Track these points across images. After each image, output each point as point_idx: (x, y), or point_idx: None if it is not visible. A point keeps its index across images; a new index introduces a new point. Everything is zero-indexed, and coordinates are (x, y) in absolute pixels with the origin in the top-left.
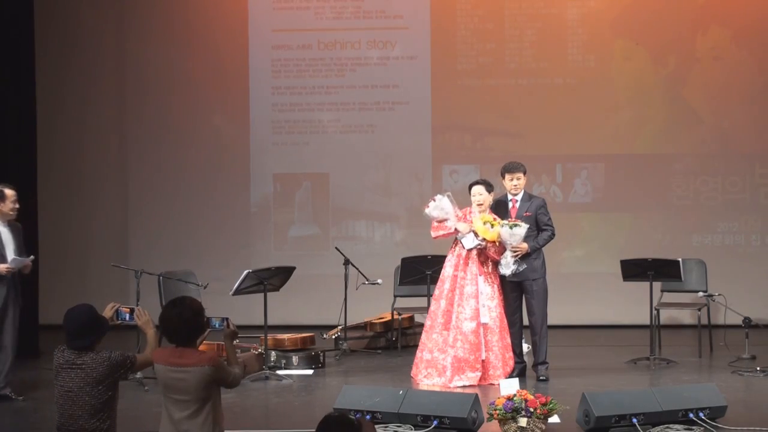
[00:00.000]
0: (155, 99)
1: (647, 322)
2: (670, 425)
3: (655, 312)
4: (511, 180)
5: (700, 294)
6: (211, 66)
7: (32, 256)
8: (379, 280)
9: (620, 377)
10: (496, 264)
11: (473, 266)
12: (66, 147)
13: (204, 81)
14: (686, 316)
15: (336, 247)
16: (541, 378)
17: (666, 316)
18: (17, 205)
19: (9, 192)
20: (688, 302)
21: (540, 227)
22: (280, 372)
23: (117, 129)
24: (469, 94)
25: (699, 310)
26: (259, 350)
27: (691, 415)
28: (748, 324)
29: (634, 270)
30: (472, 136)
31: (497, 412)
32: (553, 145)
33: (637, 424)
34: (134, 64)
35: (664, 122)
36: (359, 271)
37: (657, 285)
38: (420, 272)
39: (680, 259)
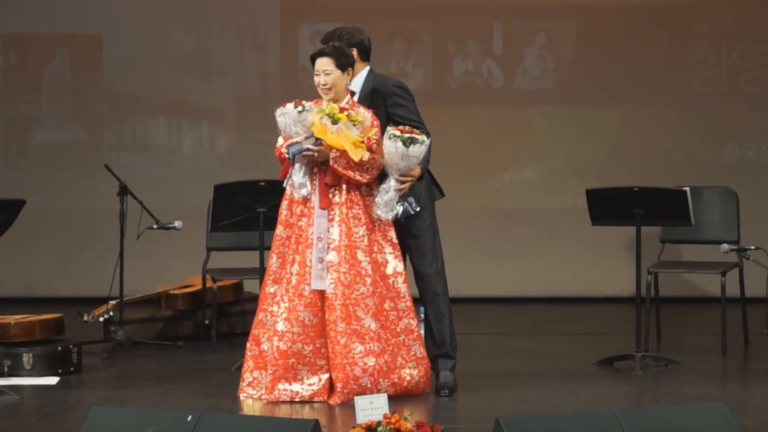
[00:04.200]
0: None
1: (633, 293)
2: None
3: (648, 278)
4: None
5: (726, 248)
6: None
7: None
8: (177, 223)
9: (581, 389)
10: (360, 189)
11: (314, 194)
12: None
13: None
14: (702, 286)
15: (106, 165)
16: (441, 393)
17: (668, 284)
18: None
19: None
20: (704, 261)
21: None
22: None
23: None
24: None
25: (723, 275)
26: None
27: None
28: None
29: (609, 206)
30: None
31: None
32: None
33: None
34: None
35: None
36: (144, 207)
37: (652, 233)
38: (246, 209)
39: (687, 189)
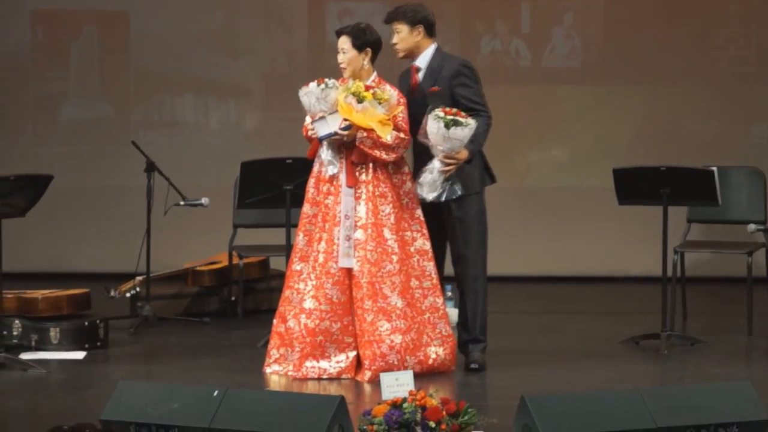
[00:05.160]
0: None
1: (660, 273)
2: None
3: (674, 257)
4: (391, 36)
5: (752, 228)
6: None
7: None
8: (204, 200)
9: (606, 368)
10: (388, 167)
11: (341, 172)
12: None
13: None
14: (728, 265)
15: (133, 142)
16: (471, 366)
17: (694, 264)
18: None
19: None
20: (731, 241)
21: (463, 111)
22: (26, 356)
23: None
24: None
25: (750, 255)
26: None
27: None
28: None
29: (636, 186)
30: None
31: (374, 427)
32: None
33: None
34: None
35: None
36: (171, 184)
37: (679, 212)
38: (273, 186)
39: (714, 169)
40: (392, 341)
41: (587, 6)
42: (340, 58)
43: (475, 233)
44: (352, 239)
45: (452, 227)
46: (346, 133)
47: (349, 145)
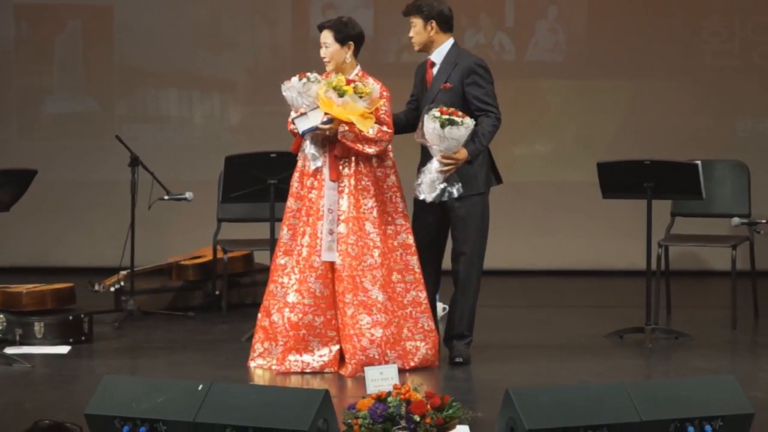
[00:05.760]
0: None
1: (644, 266)
2: None
3: (658, 251)
4: (408, 29)
5: (736, 221)
6: None
7: None
8: (188, 194)
9: (591, 361)
10: (371, 161)
11: (324, 166)
12: None
13: None
14: (713, 259)
15: (117, 136)
16: (456, 360)
17: (678, 257)
18: None
19: None
20: (715, 235)
21: (473, 110)
22: (10, 350)
23: None
24: None
25: (734, 248)
26: None
27: (690, 430)
28: None
29: (620, 179)
30: None
31: (359, 421)
32: None
33: None
34: None
35: None
36: (155, 178)
37: (663, 206)
38: (257, 181)
39: (698, 162)
40: (372, 335)
41: (571, 0)
42: (323, 52)
43: (476, 232)
44: (335, 233)
45: (454, 225)
46: (327, 127)
47: (332, 139)
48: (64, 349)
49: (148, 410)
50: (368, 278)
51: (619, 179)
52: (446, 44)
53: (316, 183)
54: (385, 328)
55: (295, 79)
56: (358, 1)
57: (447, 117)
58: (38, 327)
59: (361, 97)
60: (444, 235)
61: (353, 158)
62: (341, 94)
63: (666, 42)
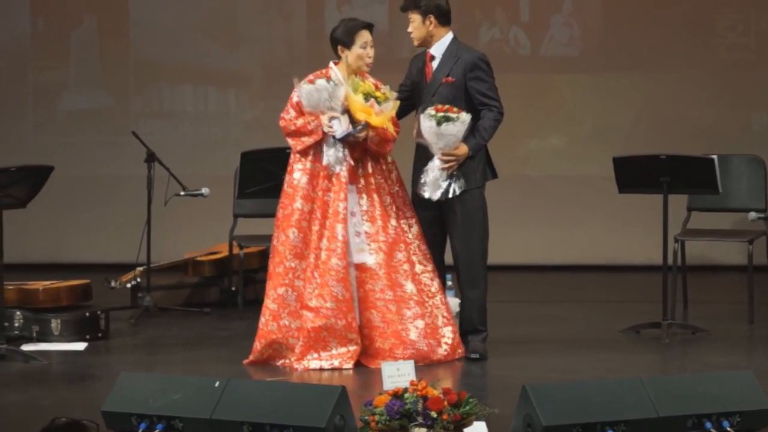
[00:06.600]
0: None
1: (660, 261)
2: None
3: (674, 246)
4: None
5: (753, 216)
6: None
7: None
8: (204, 190)
9: (607, 357)
10: (379, 158)
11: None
12: None
13: None
14: (729, 254)
15: (133, 132)
16: (472, 356)
17: (695, 252)
18: None
19: None
20: (731, 230)
21: (476, 104)
22: (27, 347)
23: None
24: None
25: (750, 243)
26: None
27: (708, 426)
28: None
29: (636, 174)
30: None
31: (376, 418)
32: None
33: None
34: None
35: None
36: (171, 174)
37: (679, 201)
38: (273, 176)
39: (715, 157)
40: (417, 327)
41: None
42: (370, 52)
43: (476, 227)
44: (362, 234)
45: (453, 221)
46: (363, 134)
47: (351, 143)
48: (80, 346)
49: (165, 407)
50: (401, 273)
51: (635, 174)
52: (446, 38)
53: (331, 185)
54: (423, 318)
55: (322, 81)
56: None
57: (443, 114)
58: (55, 324)
59: (386, 101)
60: (444, 231)
61: (367, 158)
62: (379, 102)
63: (681, 36)
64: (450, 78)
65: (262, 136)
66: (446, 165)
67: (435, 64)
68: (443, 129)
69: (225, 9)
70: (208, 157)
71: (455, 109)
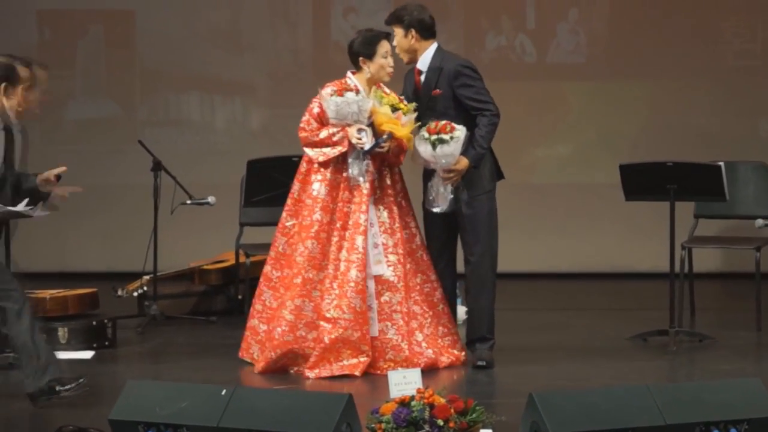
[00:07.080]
0: None
1: (667, 269)
2: None
3: (681, 253)
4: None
5: (760, 223)
6: None
7: None
8: (211, 198)
9: (614, 365)
10: (387, 171)
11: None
12: None
13: None
14: (736, 261)
15: (140, 141)
16: (479, 363)
17: (702, 260)
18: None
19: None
20: (738, 237)
21: (469, 111)
22: None
23: None
24: None
25: (758, 250)
26: None
27: None
28: None
29: (643, 181)
30: None
31: (382, 425)
32: None
33: None
34: None
35: None
36: (177, 183)
37: (686, 208)
38: (279, 184)
39: (722, 164)
40: (423, 335)
41: (592, 1)
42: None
43: (486, 232)
44: (380, 245)
45: (463, 226)
46: (387, 145)
47: (372, 155)
48: (87, 355)
49: (172, 415)
50: (411, 285)
51: (642, 181)
52: (429, 50)
53: (352, 196)
54: (426, 328)
55: (351, 95)
56: (379, 4)
57: (436, 137)
58: (62, 332)
59: (410, 113)
60: (454, 238)
61: (383, 170)
62: (405, 114)
63: (688, 43)
64: (437, 90)
65: (269, 144)
66: (449, 179)
67: (423, 77)
68: (439, 151)
69: (231, 18)
70: (214, 165)
71: (448, 127)
